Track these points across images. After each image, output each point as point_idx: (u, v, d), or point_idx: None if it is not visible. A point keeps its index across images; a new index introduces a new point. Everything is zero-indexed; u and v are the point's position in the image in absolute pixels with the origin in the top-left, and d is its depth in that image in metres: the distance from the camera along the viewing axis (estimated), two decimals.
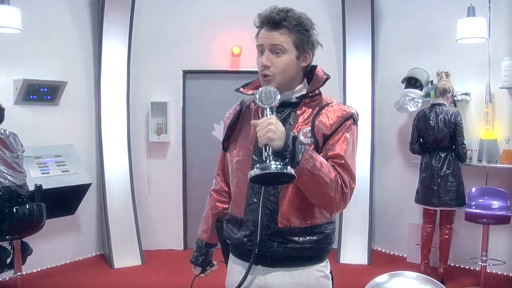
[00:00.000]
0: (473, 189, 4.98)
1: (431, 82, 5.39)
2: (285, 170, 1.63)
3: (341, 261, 5.67)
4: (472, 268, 5.30)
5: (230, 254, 2.06)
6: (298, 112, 1.90)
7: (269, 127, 1.67)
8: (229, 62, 6.12)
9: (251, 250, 1.87)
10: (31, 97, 5.16)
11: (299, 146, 1.69)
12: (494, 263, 4.89)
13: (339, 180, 1.76)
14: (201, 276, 2.29)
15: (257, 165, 1.65)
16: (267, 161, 1.64)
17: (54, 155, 5.26)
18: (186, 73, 6.19)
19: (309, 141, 1.83)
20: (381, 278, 2.18)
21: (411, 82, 5.46)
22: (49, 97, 5.35)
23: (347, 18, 5.84)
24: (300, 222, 1.86)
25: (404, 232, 5.76)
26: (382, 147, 6.06)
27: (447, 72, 5.09)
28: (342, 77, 5.88)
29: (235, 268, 2.00)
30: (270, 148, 1.66)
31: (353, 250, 5.70)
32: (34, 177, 4.87)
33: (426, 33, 5.64)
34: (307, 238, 1.86)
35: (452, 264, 5.46)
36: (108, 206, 5.65)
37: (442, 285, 2.15)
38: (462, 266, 5.44)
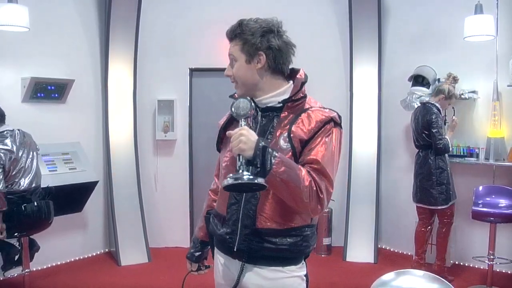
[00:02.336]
0: (480, 188, 4.95)
1: (438, 80, 5.38)
2: (255, 181, 1.72)
3: (347, 259, 5.67)
4: (478, 267, 5.28)
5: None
6: (281, 116, 1.95)
7: (240, 138, 1.75)
8: None
9: (231, 247, 1.99)
10: (38, 95, 5.19)
11: (269, 155, 1.73)
12: (501, 262, 4.87)
13: (313, 186, 1.79)
14: (193, 273, 2.41)
15: (230, 175, 1.75)
16: (240, 170, 1.74)
17: (61, 153, 5.28)
18: (192, 71, 6.20)
19: (287, 147, 1.88)
20: (387, 276, 2.19)
21: (418, 80, 5.45)
22: (56, 95, 5.37)
23: (353, 16, 5.82)
24: (278, 224, 1.91)
25: (411, 230, 5.73)
26: (389, 145, 6.04)
27: (455, 76, 5.06)
28: (348, 75, 5.88)
29: (219, 259, 2.15)
30: (243, 157, 1.75)
31: (359, 248, 5.69)
32: (42, 174, 4.88)
33: (433, 30, 5.62)
34: (284, 239, 1.92)
35: (458, 263, 5.46)
36: (115, 203, 5.67)
37: (449, 284, 2.14)
38: (468, 265, 5.43)
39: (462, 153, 5.26)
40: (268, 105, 1.98)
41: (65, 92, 5.42)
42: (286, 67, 1.98)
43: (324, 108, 1.95)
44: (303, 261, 2.03)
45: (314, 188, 1.79)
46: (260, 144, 1.75)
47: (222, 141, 2.17)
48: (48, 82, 5.23)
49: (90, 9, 5.77)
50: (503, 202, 4.78)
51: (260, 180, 1.72)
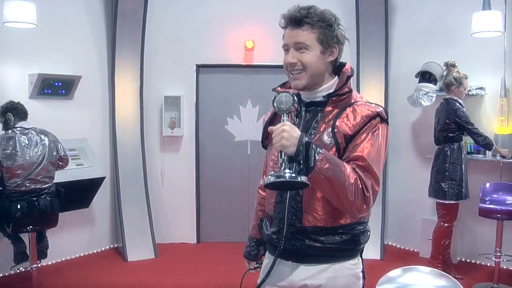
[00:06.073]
0: (487, 184, 4.92)
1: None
2: (298, 179, 1.64)
3: None
4: (485, 264, 5.27)
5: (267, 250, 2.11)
6: (326, 111, 1.88)
7: (282, 134, 1.67)
8: (242, 56, 6.12)
9: (277, 247, 1.91)
10: (45, 91, 5.21)
11: (313, 151, 1.66)
12: (508, 259, 4.85)
13: (359, 184, 1.71)
14: (251, 271, 2.32)
15: (272, 173, 1.68)
16: (282, 167, 1.66)
17: (69, 149, 5.28)
18: (199, 67, 6.20)
19: (330, 142, 1.81)
20: (394, 273, 2.19)
21: (425, 76, 5.42)
22: (63, 92, 5.39)
23: (360, 12, 5.81)
24: (325, 222, 1.84)
25: (417, 227, 5.73)
26: (395, 142, 6.02)
27: (451, 62, 4.99)
28: (355, 72, 5.85)
29: (266, 263, 2.05)
30: (285, 154, 1.67)
31: (366, 245, 5.68)
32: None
33: (441, 27, 5.59)
34: (332, 238, 1.85)
35: (465, 260, 5.45)
36: (121, 199, 5.70)
37: (455, 280, 2.14)
38: (475, 262, 5.42)
39: (469, 150, 5.24)
40: (314, 99, 1.92)
41: (72, 89, 5.44)
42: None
43: (370, 103, 1.88)
44: (358, 258, 1.96)
45: (360, 186, 1.71)
46: (304, 140, 1.67)
47: (268, 137, 2.07)
48: (55, 78, 5.25)
49: (97, 5, 5.78)
50: (510, 199, 4.75)
51: (302, 178, 1.64)
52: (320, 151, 1.68)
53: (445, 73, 5.09)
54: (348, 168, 1.71)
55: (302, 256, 1.89)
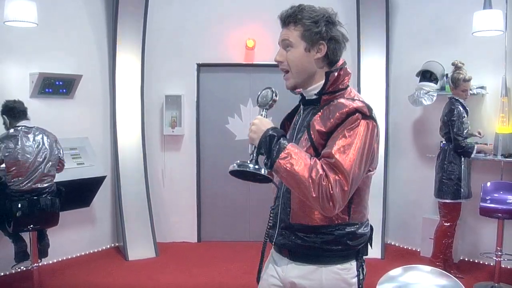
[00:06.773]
0: (488, 184, 4.91)
1: (446, 75, 5.35)
2: (260, 171, 1.71)
3: None
4: (486, 263, 5.27)
5: None
6: (317, 109, 1.86)
7: (251, 127, 1.79)
8: (243, 55, 6.13)
9: (271, 241, 1.98)
10: (46, 90, 5.21)
11: (277, 145, 1.71)
12: (509, 258, 4.85)
13: (324, 181, 1.64)
14: None
15: (237, 161, 1.75)
16: (250, 158, 1.75)
17: (70, 148, 5.30)
18: (200, 66, 6.20)
19: (307, 139, 1.82)
20: (395, 272, 2.19)
21: (426, 75, 5.42)
22: (64, 90, 5.39)
23: (361, 11, 5.81)
24: (309, 220, 1.84)
25: (418, 226, 5.73)
26: (396, 141, 6.03)
27: (457, 63, 4.99)
28: (356, 71, 5.86)
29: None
30: (254, 146, 1.77)
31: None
32: None
33: (442, 26, 5.58)
34: (314, 237, 1.84)
35: (465, 259, 5.44)
36: (122, 198, 5.70)
37: (456, 279, 2.14)
38: (476, 261, 5.41)
39: None
40: (310, 98, 1.92)
41: (73, 88, 5.44)
42: (338, 59, 1.90)
43: (353, 99, 1.81)
44: (351, 263, 1.91)
45: (324, 183, 1.64)
46: (268, 133, 1.72)
47: (285, 131, 2.07)
48: (56, 77, 5.25)
49: (98, 4, 5.78)
50: (511, 198, 4.74)
51: (264, 171, 1.69)
52: (286, 145, 1.71)
53: (446, 72, 5.09)
54: (317, 165, 1.68)
55: (293, 253, 1.92)
